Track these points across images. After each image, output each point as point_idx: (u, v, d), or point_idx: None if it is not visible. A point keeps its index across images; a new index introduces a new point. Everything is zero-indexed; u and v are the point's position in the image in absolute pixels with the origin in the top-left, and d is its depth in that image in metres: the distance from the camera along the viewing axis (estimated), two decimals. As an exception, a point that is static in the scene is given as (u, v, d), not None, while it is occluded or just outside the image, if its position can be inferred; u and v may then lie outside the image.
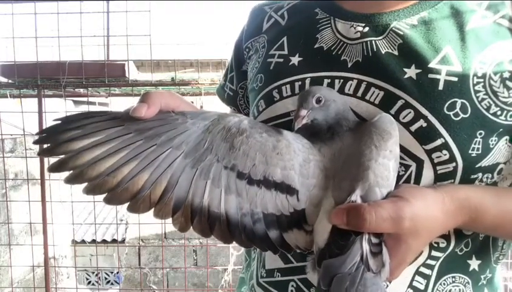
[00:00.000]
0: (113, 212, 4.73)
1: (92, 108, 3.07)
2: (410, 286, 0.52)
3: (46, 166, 2.66)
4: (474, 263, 0.54)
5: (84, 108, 3.50)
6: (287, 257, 0.57)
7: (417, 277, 0.53)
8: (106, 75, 2.44)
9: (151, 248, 4.45)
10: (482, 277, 0.55)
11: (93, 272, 4.94)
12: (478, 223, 0.48)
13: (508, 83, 0.48)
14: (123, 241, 4.58)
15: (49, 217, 2.71)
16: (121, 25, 2.63)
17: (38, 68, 2.47)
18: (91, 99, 3.01)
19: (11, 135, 2.99)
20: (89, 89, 2.66)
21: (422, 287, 0.53)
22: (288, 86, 0.57)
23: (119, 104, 3.68)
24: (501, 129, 0.49)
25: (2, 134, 2.72)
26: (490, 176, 0.51)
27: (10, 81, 2.57)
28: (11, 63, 2.53)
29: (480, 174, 0.50)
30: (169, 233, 4.41)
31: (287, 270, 0.57)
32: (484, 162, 0.50)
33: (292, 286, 0.57)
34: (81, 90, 2.73)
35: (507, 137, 0.50)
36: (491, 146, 0.49)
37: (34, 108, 2.57)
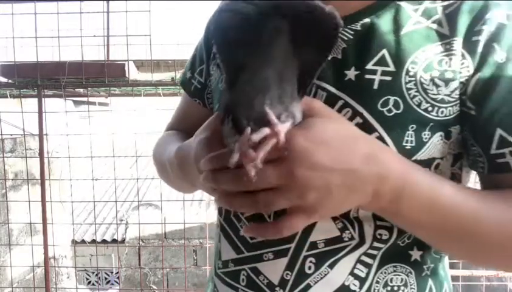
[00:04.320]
0: (113, 212, 4.74)
1: (92, 108, 3.07)
2: (351, 273, 0.55)
3: (46, 166, 2.66)
4: (416, 254, 0.56)
5: (84, 108, 3.50)
6: (239, 247, 0.60)
7: (358, 265, 0.55)
8: (106, 75, 2.44)
9: (151, 248, 4.46)
10: (425, 267, 0.57)
11: (93, 272, 4.94)
12: (407, 191, 0.47)
13: (436, 81, 0.51)
14: (123, 241, 4.59)
15: (49, 217, 2.71)
16: (121, 25, 2.63)
17: (38, 68, 2.47)
18: (91, 99, 3.01)
19: (11, 135, 2.99)
20: (89, 89, 2.67)
21: (363, 275, 0.55)
22: None
23: (119, 104, 3.69)
24: (431, 124, 0.52)
25: (2, 134, 2.73)
26: (427, 170, 0.53)
27: (10, 81, 2.57)
28: (11, 63, 2.53)
29: None
30: (169, 233, 4.42)
31: (239, 260, 0.60)
32: (420, 156, 0.52)
33: (243, 275, 0.59)
34: (81, 90, 2.74)
35: (442, 133, 0.53)
36: (424, 140, 0.52)
37: (34, 108, 2.57)
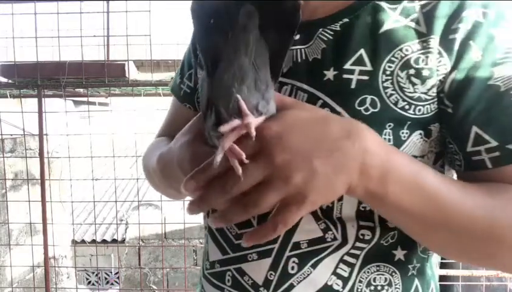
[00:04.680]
0: (113, 212, 4.74)
1: (92, 108, 3.07)
2: (334, 273, 0.55)
3: (46, 166, 2.66)
4: (399, 253, 0.56)
5: (84, 108, 3.50)
6: (225, 248, 0.61)
7: (341, 265, 0.55)
8: (106, 75, 2.44)
9: (151, 248, 4.46)
10: (410, 267, 0.57)
11: (93, 272, 4.94)
12: (393, 169, 0.46)
13: (412, 79, 0.52)
14: (123, 241, 4.59)
15: (49, 217, 2.71)
16: (121, 25, 2.63)
17: (38, 68, 2.47)
18: (91, 99, 3.02)
19: (11, 135, 2.99)
20: (89, 89, 2.67)
21: (346, 274, 0.55)
22: None
23: (119, 104, 3.69)
24: (409, 122, 0.52)
25: (2, 134, 2.73)
26: (408, 154, 0.53)
27: (10, 81, 2.57)
28: (11, 63, 2.54)
29: None
30: (169, 233, 4.42)
31: (225, 261, 0.61)
32: None
33: (229, 275, 0.60)
34: (81, 90, 2.74)
35: (421, 132, 0.53)
36: (403, 138, 0.52)
37: (34, 108, 2.57)
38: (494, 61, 0.50)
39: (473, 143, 0.51)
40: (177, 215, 3.22)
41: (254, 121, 0.41)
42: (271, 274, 0.56)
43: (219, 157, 0.41)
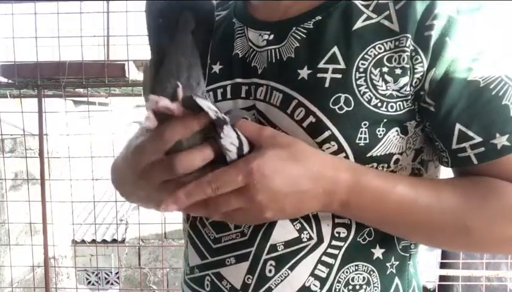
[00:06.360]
0: (113, 212, 4.74)
1: (92, 108, 3.07)
2: (312, 274, 0.55)
3: (46, 166, 2.66)
4: (378, 252, 0.57)
5: (84, 108, 3.50)
6: (204, 253, 0.61)
7: (319, 266, 0.55)
8: (106, 75, 2.44)
9: (151, 248, 4.46)
10: (388, 265, 0.57)
11: (93, 272, 4.94)
12: (355, 197, 0.50)
13: (385, 76, 0.51)
14: (123, 241, 4.58)
15: (49, 217, 2.71)
16: (121, 25, 2.63)
17: (38, 68, 2.47)
18: (91, 99, 3.01)
19: (11, 135, 2.99)
20: (89, 89, 2.67)
21: (324, 275, 0.55)
22: (211, 93, 0.61)
23: (119, 104, 3.69)
24: (385, 120, 0.52)
25: (2, 134, 2.73)
26: (386, 165, 0.54)
27: (10, 81, 2.57)
28: (11, 63, 2.53)
29: (375, 164, 0.53)
30: (169, 233, 4.42)
31: (203, 266, 0.61)
32: (376, 152, 0.53)
33: (208, 280, 0.60)
34: (81, 90, 2.74)
35: (397, 129, 0.53)
36: (379, 136, 0.52)
37: (34, 108, 2.57)
38: (472, 57, 0.49)
39: (458, 141, 0.51)
40: (177, 215, 3.21)
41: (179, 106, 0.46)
42: (249, 277, 0.56)
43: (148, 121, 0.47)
